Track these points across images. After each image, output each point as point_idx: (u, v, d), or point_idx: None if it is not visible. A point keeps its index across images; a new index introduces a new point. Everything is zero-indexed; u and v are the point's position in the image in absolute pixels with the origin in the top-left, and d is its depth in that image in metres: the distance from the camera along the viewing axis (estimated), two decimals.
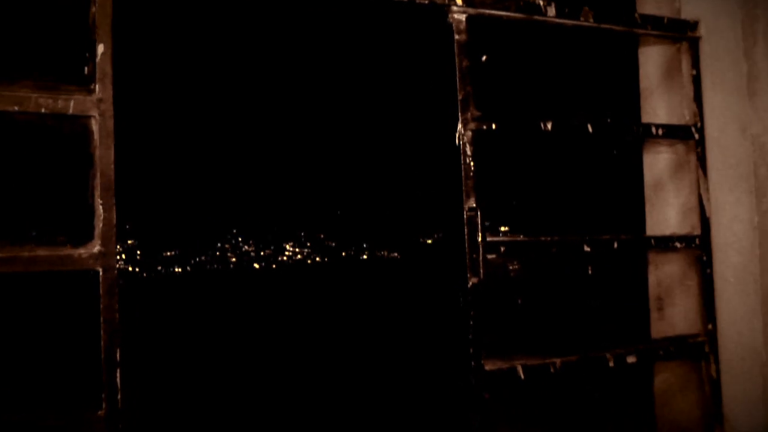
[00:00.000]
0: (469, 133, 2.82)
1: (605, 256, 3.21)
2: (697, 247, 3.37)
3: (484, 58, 2.94)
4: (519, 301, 2.85)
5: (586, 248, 3.06)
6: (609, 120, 3.24)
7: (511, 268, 2.90)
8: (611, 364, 3.07)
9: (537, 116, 3.04)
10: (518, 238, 2.90)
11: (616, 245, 3.16)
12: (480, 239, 2.75)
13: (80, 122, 2.22)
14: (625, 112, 3.62)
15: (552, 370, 2.92)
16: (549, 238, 2.96)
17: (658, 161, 3.58)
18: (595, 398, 3.07)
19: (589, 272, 3.12)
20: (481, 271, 2.73)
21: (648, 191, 3.63)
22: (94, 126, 2.24)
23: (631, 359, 3.13)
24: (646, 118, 3.59)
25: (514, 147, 3.05)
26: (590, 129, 3.14)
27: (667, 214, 3.54)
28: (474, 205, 2.76)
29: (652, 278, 3.57)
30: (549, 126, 3.03)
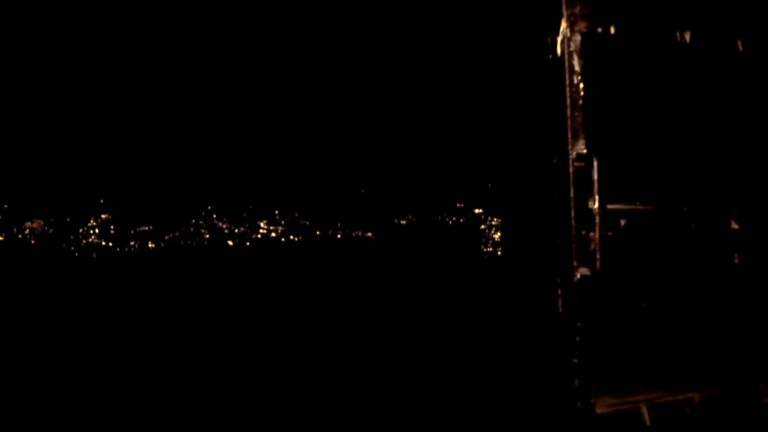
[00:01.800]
0: (578, 38, 1.77)
1: (749, 236, 2.19)
2: None
3: None
4: (642, 305, 1.80)
5: (734, 225, 2.03)
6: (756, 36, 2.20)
7: (632, 251, 1.87)
8: (766, 400, 2.06)
9: (668, 24, 2.00)
10: (643, 208, 1.86)
11: None
12: (597, 206, 1.70)
13: None
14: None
15: (688, 409, 1.90)
16: (686, 209, 1.93)
17: None
18: None
19: (735, 260, 2.09)
20: (598, 256, 1.69)
21: None
22: None
23: None
24: None
25: (635, 64, 2.00)
26: (740, 46, 2.09)
27: None
28: (585, 150, 1.72)
29: None
30: (687, 37, 1.98)
